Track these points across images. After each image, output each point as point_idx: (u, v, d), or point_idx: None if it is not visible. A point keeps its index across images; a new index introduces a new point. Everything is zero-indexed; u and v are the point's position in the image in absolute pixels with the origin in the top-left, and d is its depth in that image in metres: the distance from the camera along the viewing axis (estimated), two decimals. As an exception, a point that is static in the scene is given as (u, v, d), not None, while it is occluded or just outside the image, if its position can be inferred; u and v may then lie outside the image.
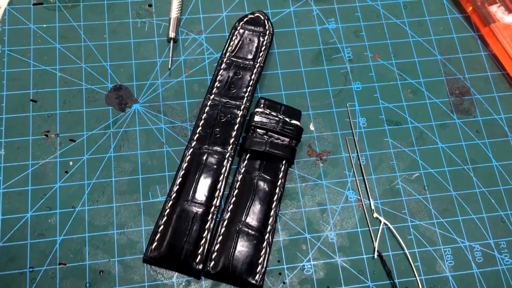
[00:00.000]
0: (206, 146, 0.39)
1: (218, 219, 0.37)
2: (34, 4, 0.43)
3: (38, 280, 0.35)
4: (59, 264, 0.36)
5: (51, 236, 0.36)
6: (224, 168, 0.38)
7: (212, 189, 0.37)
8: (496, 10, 0.44)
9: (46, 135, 0.39)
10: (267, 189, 0.38)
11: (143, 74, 0.42)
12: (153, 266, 0.36)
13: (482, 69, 0.44)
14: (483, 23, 0.45)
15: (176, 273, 0.36)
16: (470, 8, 0.46)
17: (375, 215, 0.38)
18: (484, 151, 0.41)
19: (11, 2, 0.43)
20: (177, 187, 0.37)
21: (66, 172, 0.38)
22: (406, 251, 0.37)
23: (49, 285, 0.35)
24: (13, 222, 0.36)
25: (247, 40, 0.42)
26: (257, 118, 0.39)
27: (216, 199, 0.37)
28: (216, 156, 0.38)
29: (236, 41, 0.42)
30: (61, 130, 0.39)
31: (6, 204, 0.37)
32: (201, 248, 0.36)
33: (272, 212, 0.37)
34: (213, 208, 0.37)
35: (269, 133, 0.39)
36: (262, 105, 0.40)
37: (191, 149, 0.39)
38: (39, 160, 0.38)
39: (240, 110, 0.40)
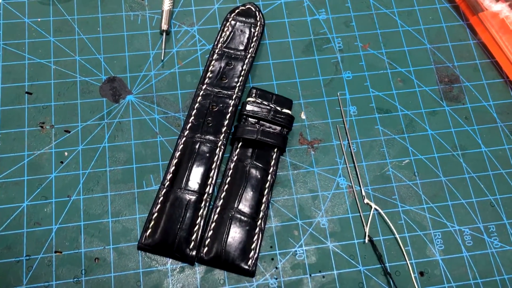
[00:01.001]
0: (198, 135, 0.39)
1: (211, 206, 0.38)
2: (28, -1, 0.44)
3: (34, 267, 0.36)
4: (55, 252, 0.36)
5: (47, 225, 0.37)
6: (217, 156, 0.39)
7: (205, 177, 0.38)
8: (484, -1, 0.45)
9: (42, 127, 0.40)
10: (259, 176, 0.38)
11: (136, 66, 0.42)
12: (147, 253, 0.37)
13: (471, 57, 0.45)
14: (471, 12, 0.45)
15: (170, 260, 0.37)
16: (459, -2, 0.46)
17: (366, 201, 0.39)
18: (473, 137, 0.42)
19: (6, -3, 0.44)
20: (171, 175, 0.38)
21: (62, 162, 0.39)
22: (397, 236, 0.38)
23: (45, 272, 0.36)
24: (10, 212, 0.37)
25: (239, 31, 0.43)
26: (248, 107, 0.40)
27: (209, 186, 0.38)
28: (208, 145, 0.39)
29: (227, 33, 0.43)
30: (56, 121, 0.40)
31: (3, 194, 0.37)
32: (195, 234, 0.36)
33: (264, 199, 0.38)
34: (206, 195, 0.37)
35: (260, 121, 0.40)
36: (253, 95, 0.41)
37: (184, 138, 0.39)
38: (34, 151, 0.39)
39: (232, 100, 0.41)
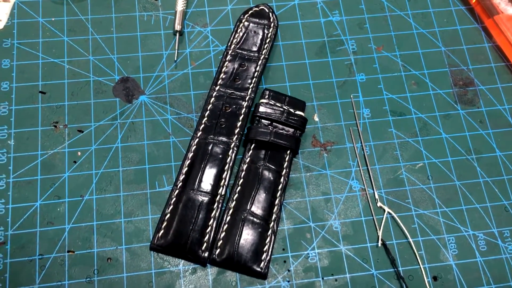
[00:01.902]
0: (211, 136, 0.39)
1: (223, 208, 0.37)
2: (42, -2, 0.44)
3: (47, 267, 0.36)
4: (68, 251, 0.36)
5: (60, 224, 0.37)
6: (229, 157, 0.39)
7: (218, 178, 0.38)
8: (500, 2, 0.44)
9: (55, 126, 0.40)
10: (271, 178, 0.38)
11: (149, 66, 0.42)
12: (160, 254, 0.37)
13: (486, 61, 0.44)
14: (486, 15, 0.45)
15: (183, 261, 0.36)
16: (474, 0, 0.46)
17: (379, 204, 0.39)
18: (488, 141, 0.41)
19: (20, -4, 0.44)
20: (183, 176, 0.38)
21: (75, 162, 0.39)
22: (410, 240, 0.38)
23: (58, 272, 0.36)
24: (23, 211, 0.37)
25: (252, 32, 0.43)
26: (262, 109, 0.40)
27: (221, 188, 0.38)
28: (221, 146, 0.39)
29: (241, 34, 0.43)
30: (69, 121, 0.40)
31: (16, 193, 0.37)
32: (207, 236, 0.36)
33: (276, 201, 0.38)
34: (218, 197, 0.37)
35: (273, 123, 0.40)
36: (267, 96, 0.40)
37: (197, 139, 0.39)
38: (48, 150, 0.39)
39: (245, 101, 0.40)
